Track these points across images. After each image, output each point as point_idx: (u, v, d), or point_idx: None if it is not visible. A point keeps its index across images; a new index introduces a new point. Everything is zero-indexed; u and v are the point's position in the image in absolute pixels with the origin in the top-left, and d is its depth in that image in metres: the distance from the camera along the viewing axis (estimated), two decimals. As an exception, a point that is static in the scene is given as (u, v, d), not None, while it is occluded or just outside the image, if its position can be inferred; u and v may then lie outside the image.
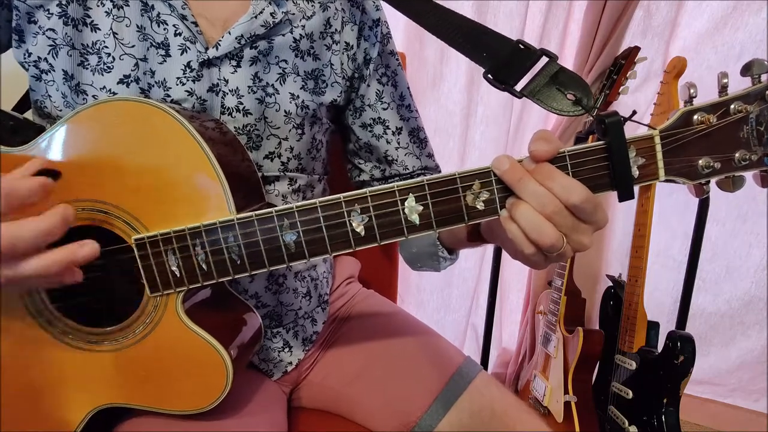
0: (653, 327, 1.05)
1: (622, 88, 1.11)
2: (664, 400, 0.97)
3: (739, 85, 0.38)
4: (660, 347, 1.00)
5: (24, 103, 0.57)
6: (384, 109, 0.64)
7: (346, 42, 0.60)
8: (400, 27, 1.23)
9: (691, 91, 0.38)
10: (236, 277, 0.43)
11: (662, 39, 1.20)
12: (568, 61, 1.27)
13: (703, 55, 1.20)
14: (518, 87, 0.45)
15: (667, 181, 0.39)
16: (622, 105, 1.23)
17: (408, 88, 0.68)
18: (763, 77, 0.36)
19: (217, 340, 0.44)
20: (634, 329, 1.04)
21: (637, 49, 1.08)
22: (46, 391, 0.47)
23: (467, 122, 1.31)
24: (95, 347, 0.46)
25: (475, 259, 1.42)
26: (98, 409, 0.47)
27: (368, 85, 0.63)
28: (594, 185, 0.38)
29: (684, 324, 1.12)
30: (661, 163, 0.38)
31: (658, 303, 1.32)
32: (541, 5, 1.23)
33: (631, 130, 0.37)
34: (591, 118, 0.40)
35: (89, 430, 0.48)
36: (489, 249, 1.37)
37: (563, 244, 0.37)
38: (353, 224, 0.40)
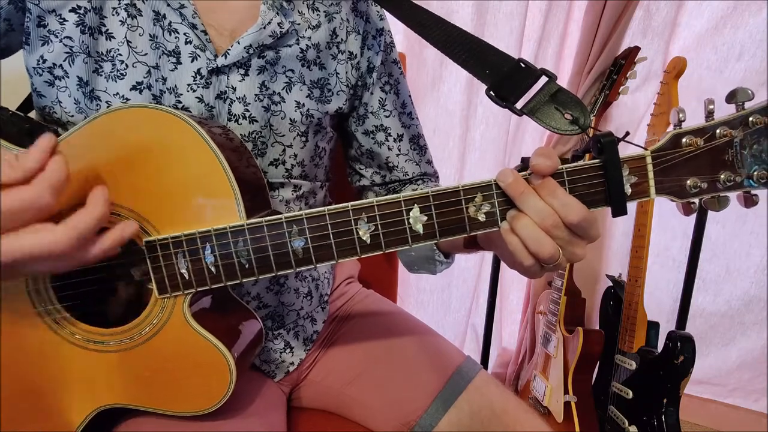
0: (653, 327, 1.05)
1: (622, 88, 1.11)
2: (664, 400, 0.97)
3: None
4: (660, 347, 1.00)
5: (25, 107, 0.57)
6: (386, 116, 0.65)
7: (350, 51, 0.60)
8: (399, 28, 1.23)
9: (680, 115, 0.40)
10: (244, 281, 0.44)
11: (662, 39, 1.20)
12: (568, 61, 1.27)
13: (703, 55, 1.20)
14: (518, 105, 0.47)
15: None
16: (622, 105, 1.24)
17: (409, 95, 0.68)
18: (747, 104, 0.38)
19: (222, 342, 0.45)
20: (634, 329, 1.05)
21: (637, 49, 1.09)
22: (49, 391, 0.47)
23: (467, 123, 1.32)
24: (101, 347, 0.46)
25: (475, 260, 1.43)
26: (100, 409, 0.47)
27: (371, 93, 0.64)
28: (589, 201, 0.40)
29: (684, 324, 1.12)
30: (652, 182, 0.40)
31: (658, 303, 1.33)
32: (541, 5, 1.23)
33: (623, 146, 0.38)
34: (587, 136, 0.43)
35: (90, 429, 0.48)
36: (489, 250, 1.37)
37: (560, 255, 0.39)
38: (360, 232, 0.41)
